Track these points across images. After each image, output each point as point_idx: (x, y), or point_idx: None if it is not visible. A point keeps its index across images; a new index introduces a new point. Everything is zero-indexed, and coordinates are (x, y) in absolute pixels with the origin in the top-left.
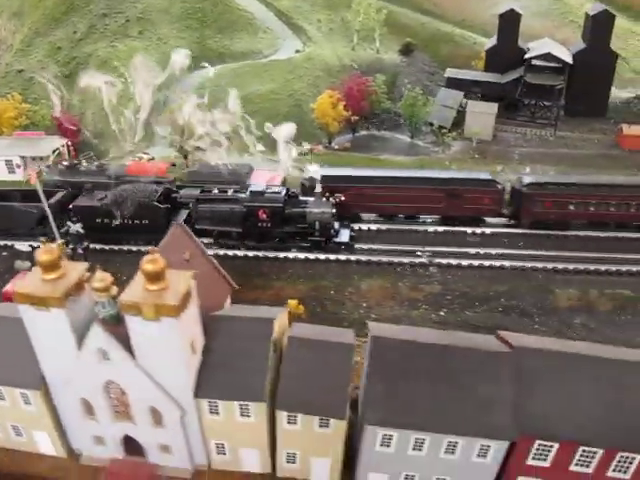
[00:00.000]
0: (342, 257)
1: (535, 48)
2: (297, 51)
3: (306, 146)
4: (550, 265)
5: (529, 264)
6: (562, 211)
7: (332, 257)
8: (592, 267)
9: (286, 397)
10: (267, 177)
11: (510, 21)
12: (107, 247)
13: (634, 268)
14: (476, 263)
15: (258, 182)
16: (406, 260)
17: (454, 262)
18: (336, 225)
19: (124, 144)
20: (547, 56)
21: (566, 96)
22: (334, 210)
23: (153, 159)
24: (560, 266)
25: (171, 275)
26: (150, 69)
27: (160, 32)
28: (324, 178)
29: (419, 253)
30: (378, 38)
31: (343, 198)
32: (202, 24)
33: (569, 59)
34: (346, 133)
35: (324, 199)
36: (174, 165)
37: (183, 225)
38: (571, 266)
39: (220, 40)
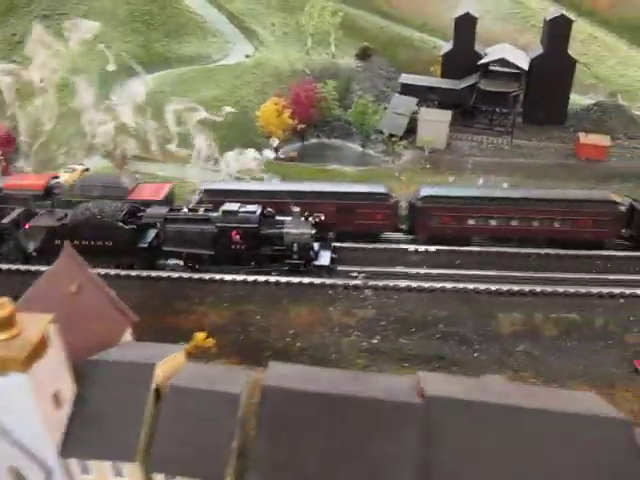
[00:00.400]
0: (272, 279)
1: (492, 53)
2: (247, 56)
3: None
4: (494, 287)
5: (471, 285)
6: (461, 226)
7: (261, 279)
8: (538, 289)
9: (161, 457)
10: (150, 190)
11: (466, 25)
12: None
13: (582, 289)
14: (415, 285)
15: (140, 196)
16: (340, 282)
17: (391, 284)
18: (316, 246)
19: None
20: (502, 62)
21: (524, 103)
22: (314, 231)
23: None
24: (505, 288)
25: (24, 320)
26: (49, 46)
27: (104, 35)
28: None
29: (354, 274)
30: (333, 42)
31: (323, 218)
32: (149, 27)
33: (525, 65)
34: (295, 142)
35: (303, 219)
36: (87, 170)
37: (71, 250)
38: (516, 287)
39: (167, 44)
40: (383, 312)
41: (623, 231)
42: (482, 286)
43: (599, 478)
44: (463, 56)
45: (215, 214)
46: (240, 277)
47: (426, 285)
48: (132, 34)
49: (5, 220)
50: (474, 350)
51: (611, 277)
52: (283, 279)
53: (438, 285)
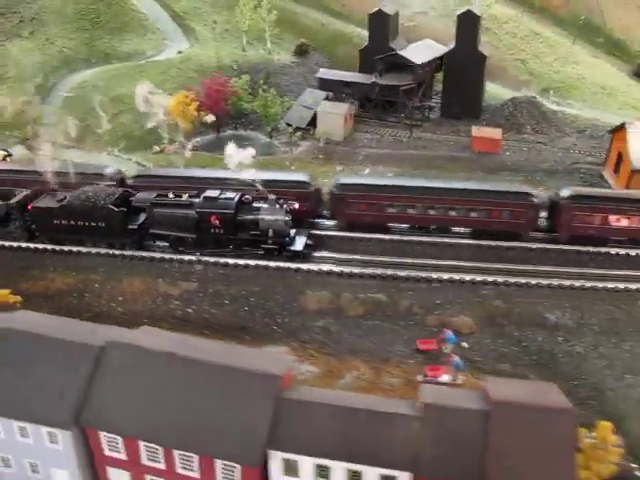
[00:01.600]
0: (117, 252)
1: (410, 48)
2: (179, 52)
3: (156, 147)
4: (305, 266)
5: (288, 265)
6: (378, 214)
7: (103, 252)
8: (347, 270)
9: None
10: None
11: (380, 21)
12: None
13: (388, 272)
14: (242, 262)
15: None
16: (175, 257)
17: (221, 260)
18: (292, 232)
19: None
20: (396, 56)
21: (442, 98)
22: (287, 217)
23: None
24: (315, 268)
25: None
26: None
27: (50, 33)
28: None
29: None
30: (269, 39)
31: (297, 205)
32: (94, 25)
33: (421, 60)
34: (211, 133)
35: (277, 206)
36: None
37: None
38: (326, 267)
39: (109, 41)
40: (205, 285)
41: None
42: (293, 265)
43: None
44: (378, 51)
45: (197, 200)
46: (93, 250)
47: (252, 263)
48: (77, 32)
49: (12, 201)
50: (275, 323)
51: (432, 262)
52: (127, 252)
53: (262, 263)
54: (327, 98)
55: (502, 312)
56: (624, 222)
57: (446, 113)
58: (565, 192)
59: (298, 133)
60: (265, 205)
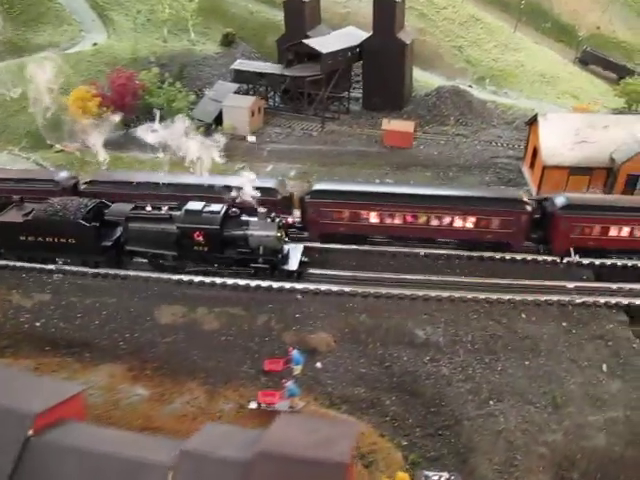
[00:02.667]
0: None
1: (321, 37)
2: (94, 44)
3: (57, 146)
4: (165, 276)
5: (144, 274)
6: (355, 224)
7: None
8: (206, 280)
9: None
10: None
11: (295, 8)
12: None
13: (252, 283)
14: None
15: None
16: (27, 265)
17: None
18: (285, 249)
19: None
20: (302, 46)
21: (363, 89)
22: (279, 233)
23: None
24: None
25: None
26: None
27: None
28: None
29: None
30: (192, 29)
31: (291, 220)
32: (8, 16)
33: (329, 49)
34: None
35: (269, 220)
36: None
37: None
38: (186, 278)
39: (23, 33)
40: (59, 297)
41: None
42: (154, 275)
43: None
44: (294, 40)
45: (177, 213)
46: None
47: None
48: None
49: None
50: (123, 338)
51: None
52: None
53: (121, 272)
54: (239, 91)
55: (367, 328)
56: (625, 232)
57: (367, 105)
58: (560, 200)
59: (201, 128)
60: (254, 219)
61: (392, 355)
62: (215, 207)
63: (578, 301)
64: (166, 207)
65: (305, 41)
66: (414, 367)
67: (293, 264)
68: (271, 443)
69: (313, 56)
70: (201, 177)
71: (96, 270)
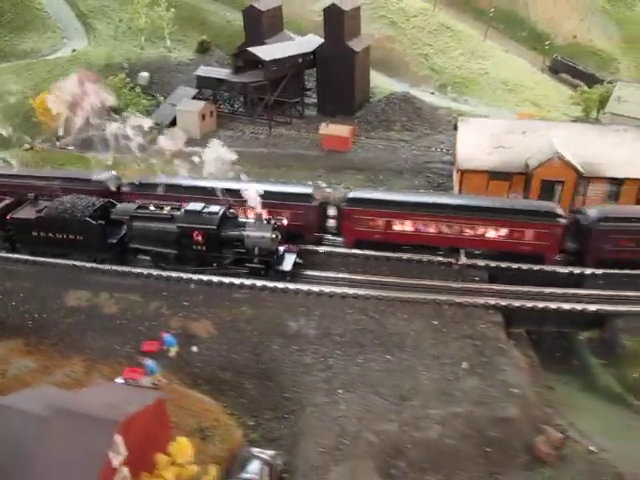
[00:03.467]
0: None
1: (271, 45)
2: (73, 50)
3: (26, 145)
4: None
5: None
6: (388, 232)
7: None
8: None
9: None
10: None
11: (253, 18)
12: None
13: (154, 272)
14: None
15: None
16: None
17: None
18: (281, 250)
19: None
20: (247, 53)
21: (318, 95)
22: (274, 235)
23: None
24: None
25: None
26: None
27: None
28: None
29: None
30: (168, 37)
31: (285, 222)
32: None
33: (272, 57)
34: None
35: (265, 222)
36: None
37: None
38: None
39: (10, 40)
40: None
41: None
42: (64, 262)
43: None
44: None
45: (178, 213)
46: None
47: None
48: None
49: None
50: (32, 318)
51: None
52: None
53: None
54: (200, 97)
55: (248, 317)
56: None
57: (322, 110)
58: (593, 212)
59: (154, 131)
60: (251, 220)
61: (264, 343)
62: (214, 208)
63: (457, 300)
64: (168, 207)
65: (250, 49)
66: (281, 355)
67: (287, 265)
68: (70, 402)
69: (259, 63)
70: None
71: (17, 255)
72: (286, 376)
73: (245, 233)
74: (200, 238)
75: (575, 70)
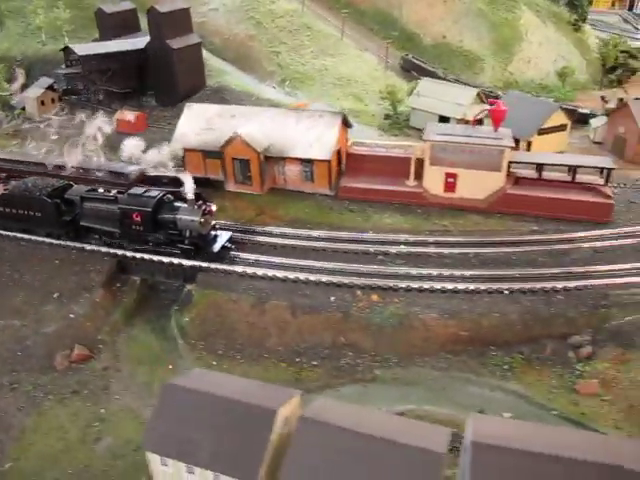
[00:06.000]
0: None
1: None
2: None
3: None
4: None
5: None
6: None
7: None
8: None
9: None
10: None
11: (102, 18)
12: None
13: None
14: None
15: None
16: None
17: None
18: (213, 234)
19: None
20: (67, 49)
21: (153, 87)
22: (203, 219)
23: None
24: None
25: None
26: None
27: None
28: None
29: None
30: (67, 34)
31: (214, 207)
32: None
33: (85, 52)
34: None
35: (196, 206)
36: None
37: None
38: None
39: None
40: None
41: None
42: None
43: None
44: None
45: (122, 196)
46: None
47: None
48: None
49: None
50: None
51: None
52: None
53: None
54: (54, 86)
55: None
56: None
57: (157, 99)
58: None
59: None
60: (185, 205)
61: None
62: (153, 192)
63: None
64: (115, 190)
65: (70, 45)
66: None
67: (215, 248)
68: None
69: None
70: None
71: None
72: None
73: (178, 216)
74: (138, 219)
75: (420, 68)
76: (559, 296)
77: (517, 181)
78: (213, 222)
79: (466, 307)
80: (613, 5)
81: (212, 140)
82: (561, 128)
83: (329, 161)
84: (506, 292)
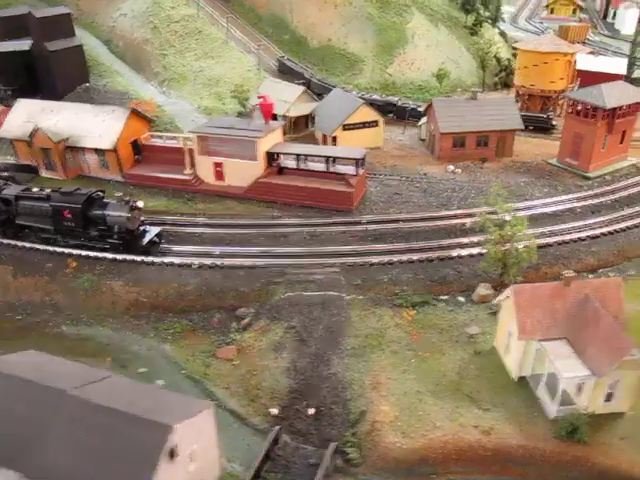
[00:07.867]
0: None
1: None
2: None
3: None
4: None
5: None
6: None
7: None
8: None
9: None
10: None
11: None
12: None
13: None
14: None
15: None
16: None
17: None
18: (142, 229)
19: None
20: None
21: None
22: (130, 214)
23: None
24: None
25: None
26: None
27: None
28: None
29: None
30: None
31: (141, 204)
32: None
33: None
34: None
35: (123, 203)
36: None
37: None
38: None
39: None
40: None
41: None
42: None
43: None
44: None
45: (54, 194)
46: None
47: None
48: None
49: None
50: None
51: None
52: None
53: None
54: None
55: None
56: None
57: (43, 97)
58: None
59: None
60: (113, 202)
61: None
62: (84, 190)
63: None
64: (49, 189)
65: None
66: None
67: (143, 242)
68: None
69: None
70: None
71: None
72: None
73: (106, 212)
74: (69, 215)
75: (291, 70)
76: (240, 272)
77: (281, 171)
78: (142, 218)
79: (152, 277)
80: (574, 13)
81: (28, 132)
82: (373, 124)
83: (116, 150)
84: (194, 266)
